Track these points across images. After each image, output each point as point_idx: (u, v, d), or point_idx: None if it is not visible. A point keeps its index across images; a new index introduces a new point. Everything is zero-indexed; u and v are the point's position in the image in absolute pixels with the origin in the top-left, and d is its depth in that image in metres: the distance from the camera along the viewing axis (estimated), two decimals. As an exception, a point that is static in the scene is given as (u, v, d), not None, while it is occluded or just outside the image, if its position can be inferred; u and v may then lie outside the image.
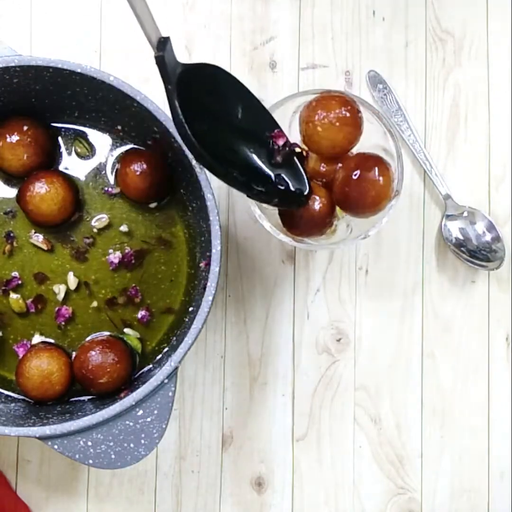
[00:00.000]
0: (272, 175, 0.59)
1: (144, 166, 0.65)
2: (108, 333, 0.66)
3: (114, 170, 0.67)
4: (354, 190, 0.60)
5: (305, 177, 0.60)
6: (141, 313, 0.66)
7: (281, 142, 0.60)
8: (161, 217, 0.68)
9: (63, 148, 0.68)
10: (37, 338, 0.66)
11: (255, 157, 0.59)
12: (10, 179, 0.67)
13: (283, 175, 0.59)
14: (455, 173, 0.72)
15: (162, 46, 0.51)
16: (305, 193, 0.60)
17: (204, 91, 0.57)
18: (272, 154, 0.60)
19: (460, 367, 0.72)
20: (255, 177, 0.58)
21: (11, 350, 0.66)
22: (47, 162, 0.67)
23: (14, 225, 0.67)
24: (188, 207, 0.67)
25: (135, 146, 0.68)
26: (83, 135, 0.68)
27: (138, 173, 0.65)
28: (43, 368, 0.63)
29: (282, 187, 0.59)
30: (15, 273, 0.66)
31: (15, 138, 0.64)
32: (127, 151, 0.68)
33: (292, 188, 0.60)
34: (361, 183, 0.60)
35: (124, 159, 0.66)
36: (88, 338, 0.66)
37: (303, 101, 0.62)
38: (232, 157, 0.58)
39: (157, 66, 0.52)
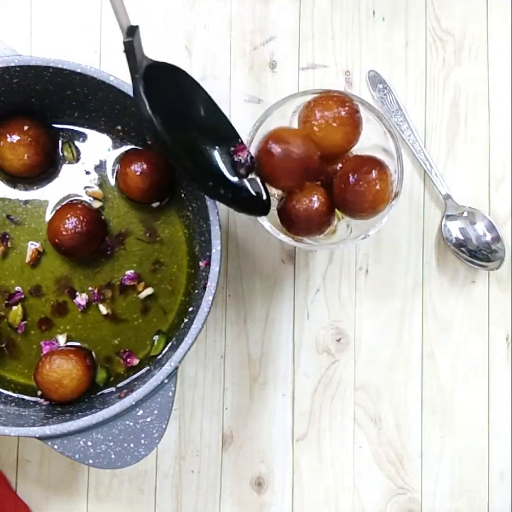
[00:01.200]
0: (235, 181, 0.59)
1: (144, 166, 0.65)
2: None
3: (115, 171, 0.67)
4: (351, 194, 0.60)
5: (262, 188, 0.60)
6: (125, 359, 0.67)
7: (243, 155, 0.60)
8: (161, 217, 0.68)
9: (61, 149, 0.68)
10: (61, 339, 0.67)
11: (220, 164, 0.59)
12: (12, 180, 0.67)
13: (245, 183, 0.60)
14: (455, 173, 0.72)
15: (131, 33, 0.51)
16: (264, 199, 0.60)
17: (169, 91, 0.57)
18: (234, 164, 0.60)
19: (460, 367, 0.72)
20: (219, 182, 0.58)
21: (13, 350, 0.66)
22: (47, 162, 0.67)
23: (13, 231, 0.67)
24: (188, 207, 0.67)
25: (135, 147, 0.68)
26: (73, 140, 0.68)
27: (138, 173, 0.65)
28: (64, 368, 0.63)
29: (244, 195, 0.59)
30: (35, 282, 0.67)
31: (15, 138, 0.64)
32: (126, 151, 0.68)
33: (253, 194, 0.60)
34: (358, 188, 0.60)
35: (123, 160, 0.66)
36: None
37: (303, 101, 0.62)
38: (197, 159, 0.58)
39: (125, 53, 0.52)
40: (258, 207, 0.60)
